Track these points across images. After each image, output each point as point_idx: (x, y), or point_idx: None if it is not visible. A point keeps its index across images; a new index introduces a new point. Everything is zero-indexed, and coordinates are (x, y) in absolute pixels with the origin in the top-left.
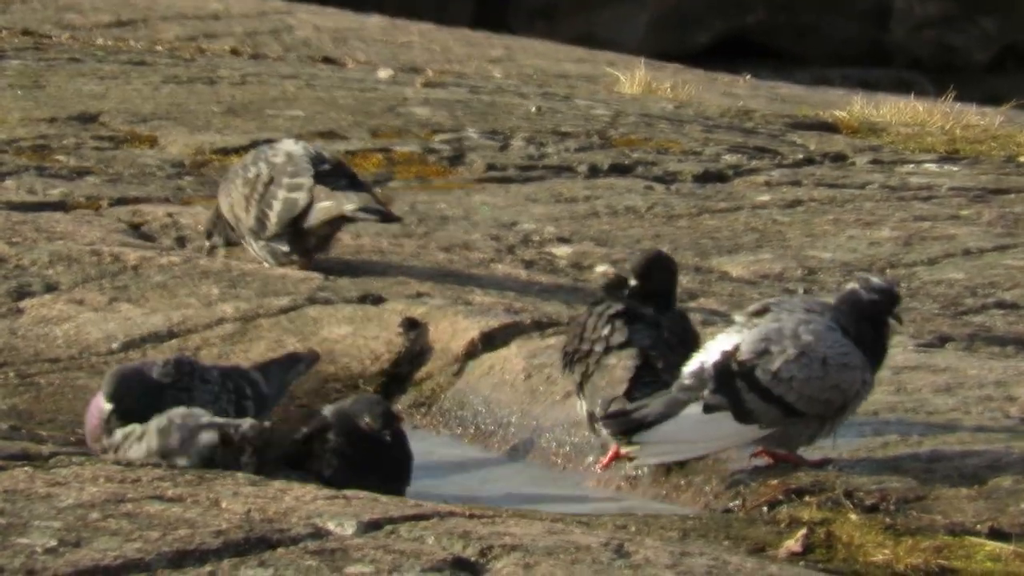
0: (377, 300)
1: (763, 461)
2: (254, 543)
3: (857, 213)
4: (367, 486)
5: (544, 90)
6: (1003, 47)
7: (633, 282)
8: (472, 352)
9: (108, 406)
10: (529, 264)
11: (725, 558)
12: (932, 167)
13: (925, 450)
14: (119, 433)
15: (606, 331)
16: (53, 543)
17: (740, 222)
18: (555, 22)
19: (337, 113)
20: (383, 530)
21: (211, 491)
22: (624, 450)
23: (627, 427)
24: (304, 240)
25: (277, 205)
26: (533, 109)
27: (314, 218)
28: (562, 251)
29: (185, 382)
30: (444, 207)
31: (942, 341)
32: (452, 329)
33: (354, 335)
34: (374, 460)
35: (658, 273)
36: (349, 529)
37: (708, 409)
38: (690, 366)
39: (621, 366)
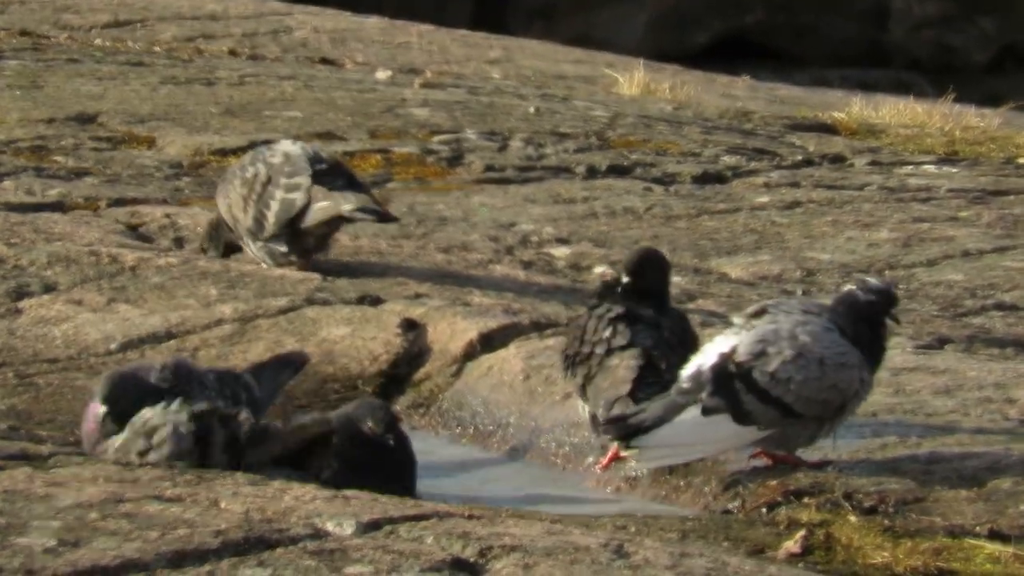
0: (376, 301)
1: (762, 462)
2: (253, 543)
3: (856, 214)
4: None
5: (543, 91)
6: (1002, 47)
7: (625, 279)
8: (471, 353)
9: (103, 409)
10: (528, 265)
11: (724, 559)
12: (931, 168)
13: (924, 452)
14: (117, 440)
15: (607, 333)
16: (52, 543)
17: (739, 223)
18: (554, 23)
19: (335, 114)
20: (382, 530)
21: (210, 491)
22: (624, 454)
23: (626, 432)
24: (302, 240)
25: (275, 205)
26: (532, 110)
27: (312, 218)
28: (560, 252)
29: (183, 388)
30: (443, 208)
31: (941, 343)
32: (451, 330)
33: (352, 336)
34: (376, 465)
35: (651, 271)
36: (348, 529)
37: (706, 412)
38: (688, 369)
39: (624, 366)
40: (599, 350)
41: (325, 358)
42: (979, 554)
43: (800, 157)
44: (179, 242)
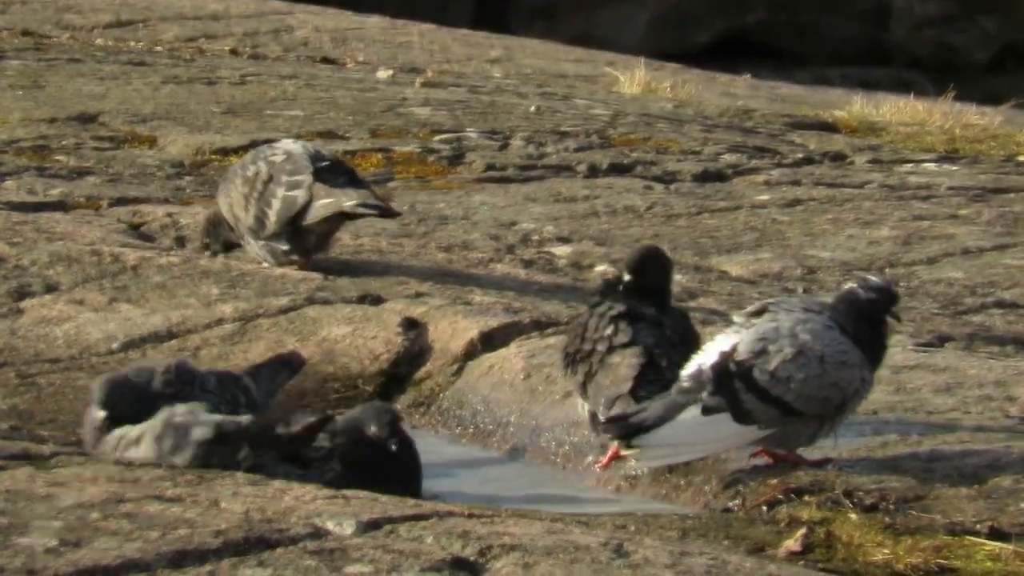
0: (376, 300)
1: (762, 461)
2: (253, 543)
3: (856, 212)
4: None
5: (543, 90)
6: (1003, 46)
7: (627, 277)
8: (471, 352)
9: (101, 413)
10: (528, 264)
11: (724, 558)
12: (931, 166)
13: (925, 449)
14: (112, 437)
15: (608, 331)
16: (53, 543)
17: (739, 221)
18: (555, 22)
19: (337, 113)
20: (382, 530)
21: (211, 491)
22: (624, 453)
23: (626, 431)
24: (303, 239)
25: (276, 203)
26: (532, 109)
27: (313, 215)
28: (561, 251)
29: (186, 391)
30: (443, 207)
31: (941, 340)
32: (451, 329)
33: (353, 335)
34: (382, 469)
35: (652, 269)
36: (348, 529)
37: (707, 411)
38: (688, 368)
39: (625, 364)
40: (600, 348)
41: (326, 357)
42: (979, 552)
43: (801, 155)
44: (181, 241)
